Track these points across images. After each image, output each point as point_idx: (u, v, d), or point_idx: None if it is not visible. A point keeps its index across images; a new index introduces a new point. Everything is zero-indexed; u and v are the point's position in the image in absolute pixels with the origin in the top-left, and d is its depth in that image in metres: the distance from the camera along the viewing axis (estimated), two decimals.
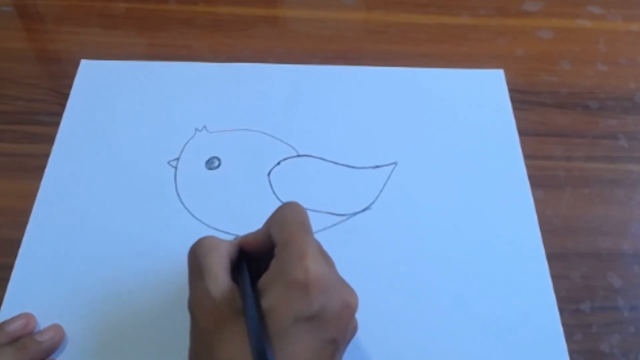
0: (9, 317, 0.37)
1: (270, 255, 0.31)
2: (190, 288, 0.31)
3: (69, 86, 0.49)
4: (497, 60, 0.53)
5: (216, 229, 0.42)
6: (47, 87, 0.50)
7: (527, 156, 0.46)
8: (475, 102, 0.49)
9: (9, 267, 0.40)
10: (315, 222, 0.42)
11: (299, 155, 0.46)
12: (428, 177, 0.45)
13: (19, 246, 0.41)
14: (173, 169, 0.45)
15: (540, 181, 0.45)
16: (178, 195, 0.43)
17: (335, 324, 0.29)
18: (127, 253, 0.41)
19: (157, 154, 0.45)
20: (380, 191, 0.44)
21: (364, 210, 0.43)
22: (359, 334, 0.34)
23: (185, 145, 0.46)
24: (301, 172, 0.45)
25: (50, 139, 0.46)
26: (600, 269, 0.42)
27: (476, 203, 0.44)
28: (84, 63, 0.51)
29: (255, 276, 0.31)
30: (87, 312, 0.38)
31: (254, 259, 0.33)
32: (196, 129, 0.47)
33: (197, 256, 0.31)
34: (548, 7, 0.58)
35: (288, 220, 0.32)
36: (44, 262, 0.40)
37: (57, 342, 0.36)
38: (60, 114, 0.47)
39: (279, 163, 0.45)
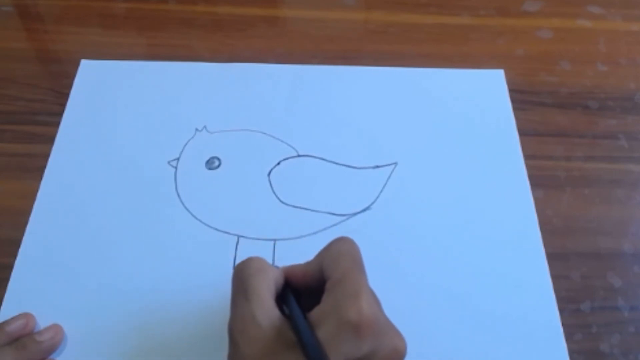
0: (9, 317, 0.37)
1: (317, 289, 0.30)
2: (233, 307, 0.30)
3: (69, 86, 0.49)
4: (497, 60, 0.53)
5: (216, 229, 0.42)
6: (47, 87, 0.50)
7: (527, 156, 0.46)
8: (476, 103, 0.49)
9: (9, 267, 0.40)
10: (315, 222, 0.42)
11: (299, 156, 0.46)
12: (428, 178, 0.45)
13: (19, 246, 0.41)
14: (173, 169, 0.45)
15: (540, 181, 0.45)
16: (178, 195, 0.43)
17: None
18: (126, 253, 0.41)
19: (157, 154, 0.45)
20: (381, 191, 0.44)
21: (364, 210, 0.43)
22: None
23: (185, 145, 0.46)
24: (301, 172, 0.45)
25: (50, 139, 0.46)
26: (600, 269, 0.42)
27: (476, 203, 0.44)
28: (84, 63, 0.51)
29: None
30: (87, 312, 0.38)
31: (298, 291, 0.32)
32: (196, 129, 0.47)
33: (243, 275, 0.30)
34: (548, 7, 0.58)
35: (343, 256, 0.31)
36: (44, 262, 0.40)
37: (57, 342, 0.36)
38: (60, 114, 0.47)
39: (279, 163, 0.45)
